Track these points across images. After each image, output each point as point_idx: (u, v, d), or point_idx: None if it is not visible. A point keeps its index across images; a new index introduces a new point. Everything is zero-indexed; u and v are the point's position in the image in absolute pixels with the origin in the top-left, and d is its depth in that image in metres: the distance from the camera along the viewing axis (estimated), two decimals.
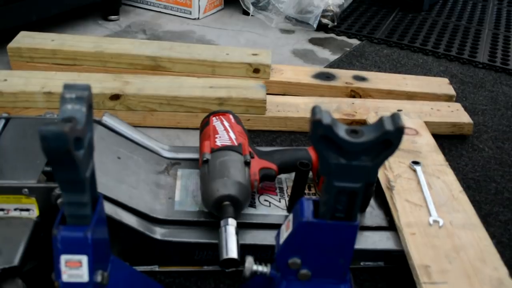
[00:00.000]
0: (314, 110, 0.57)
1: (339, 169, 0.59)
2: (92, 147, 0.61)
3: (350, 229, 0.65)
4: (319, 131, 0.56)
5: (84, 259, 0.60)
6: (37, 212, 0.84)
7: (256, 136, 1.35)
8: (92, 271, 0.61)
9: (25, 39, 1.53)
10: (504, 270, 0.89)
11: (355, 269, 0.95)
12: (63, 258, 0.60)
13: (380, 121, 0.58)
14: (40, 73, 1.38)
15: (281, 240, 0.68)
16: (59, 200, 0.80)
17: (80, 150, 0.56)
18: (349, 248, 0.66)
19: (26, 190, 0.82)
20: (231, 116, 1.05)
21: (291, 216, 0.67)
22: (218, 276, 0.93)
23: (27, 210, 0.84)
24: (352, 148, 0.58)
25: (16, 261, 0.77)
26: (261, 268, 0.72)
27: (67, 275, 0.60)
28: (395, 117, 0.57)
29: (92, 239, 0.59)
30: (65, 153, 0.52)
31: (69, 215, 0.60)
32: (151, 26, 2.03)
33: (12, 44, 1.50)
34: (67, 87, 0.57)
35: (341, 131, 0.57)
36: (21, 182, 0.82)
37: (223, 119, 1.04)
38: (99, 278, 0.62)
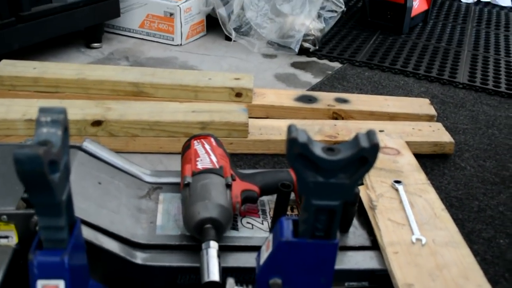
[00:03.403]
0: (289, 129, 0.57)
1: (317, 187, 0.60)
2: (68, 170, 0.60)
3: (330, 248, 0.65)
4: (295, 149, 0.57)
5: (61, 283, 0.59)
6: (16, 239, 0.82)
7: (239, 160, 1.35)
8: None
9: (6, 67, 1.53)
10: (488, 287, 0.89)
11: None
12: (40, 283, 0.59)
13: (356, 138, 0.58)
14: (21, 100, 1.38)
15: (262, 261, 0.67)
16: (38, 227, 0.80)
17: (56, 173, 0.55)
18: (330, 267, 0.66)
19: (4, 216, 0.80)
20: (212, 139, 1.05)
21: (271, 236, 0.67)
22: None
23: (6, 237, 0.82)
24: (329, 166, 0.58)
25: None
26: None
27: None
28: (370, 134, 0.58)
29: (69, 263, 0.59)
30: (40, 176, 0.52)
31: (45, 239, 0.59)
32: (133, 53, 2.04)
33: None
34: (43, 110, 0.57)
35: (317, 149, 0.58)
36: (0, 209, 0.81)
37: (204, 142, 1.04)
38: None
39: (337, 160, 0.58)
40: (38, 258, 0.58)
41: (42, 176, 0.52)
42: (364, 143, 0.57)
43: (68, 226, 0.60)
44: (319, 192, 0.60)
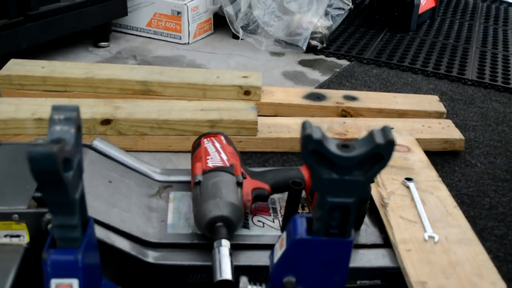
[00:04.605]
0: (304, 125, 0.57)
1: (332, 184, 0.59)
2: (81, 169, 0.60)
3: (345, 245, 0.64)
4: (310, 146, 0.56)
5: (75, 282, 0.59)
6: (28, 239, 0.82)
7: (248, 158, 1.34)
8: None
9: (15, 67, 1.53)
10: (502, 285, 0.88)
11: None
12: (54, 282, 0.59)
13: (371, 135, 0.58)
14: (30, 99, 1.38)
15: (275, 259, 0.67)
16: (49, 226, 0.79)
17: (69, 171, 0.55)
18: (344, 265, 0.66)
19: (16, 216, 0.80)
20: (222, 137, 1.05)
21: (284, 234, 0.67)
22: None
23: (18, 236, 0.82)
24: (344, 162, 0.58)
25: None
26: None
27: None
28: (385, 131, 0.57)
29: (83, 262, 0.58)
30: (53, 174, 0.51)
31: (59, 238, 0.59)
32: (141, 51, 2.04)
33: (2, 72, 1.50)
34: (56, 108, 0.57)
35: (332, 146, 0.57)
36: (11, 208, 0.81)
37: (214, 140, 1.03)
38: None
39: (352, 157, 0.57)
40: (52, 257, 0.58)
41: (56, 174, 0.51)
42: (379, 139, 0.57)
43: (82, 225, 0.60)
44: (333, 189, 0.60)
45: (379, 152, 0.57)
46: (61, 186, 0.53)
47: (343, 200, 0.60)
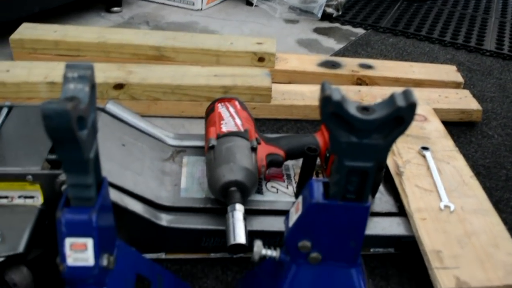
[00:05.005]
0: (323, 86, 0.55)
1: (350, 147, 0.58)
2: (95, 128, 0.59)
3: (362, 210, 0.63)
4: (329, 108, 0.55)
5: (89, 241, 0.58)
6: (42, 200, 0.83)
7: (261, 125, 1.33)
8: (97, 254, 0.59)
9: (27, 31, 1.51)
10: None
11: (365, 256, 0.92)
12: (68, 241, 0.58)
13: (392, 97, 0.56)
14: (43, 63, 1.36)
15: (291, 223, 0.66)
16: (63, 187, 0.79)
17: (83, 130, 0.54)
18: (360, 230, 0.65)
19: (30, 176, 0.80)
20: (236, 102, 1.03)
21: (300, 198, 0.66)
22: (225, 263, 0.91)
23: (32, 197, 0.82)
24: (363, 125, 0.56)
25: (21, 248, 0.75)
26: (270, 252, 0.70)
27: (72, 258, 0.59)
28: (407, 93, 0.55)
29: (97, 221, 0.58)
30: (68, 132, 0.50)
31: (73, 197, 0.58)
32: (154, 17, 2.01)
33: (14, 36, 1.48)
34: (69, 66, 0.56)
35: (352, 108, 0.55)
36: (25, 169, 0.81)
37: (228, 105, 1.02)
38: (105, 262, 0.61)
39: (372, 120, 0.55)
40: (66, 216, 0.57)
41: (70, 132, 0.50)
42: (401, 102, 0.55)
43: (96, 185, 0.59)
44: (352, 153, 0.58)
45: (400, 115, 0.55)
46: (75, 144, 0.52)
47: (362, 164, 0.59)
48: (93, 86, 0.58)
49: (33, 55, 1.48)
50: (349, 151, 0.58)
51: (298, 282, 0.68)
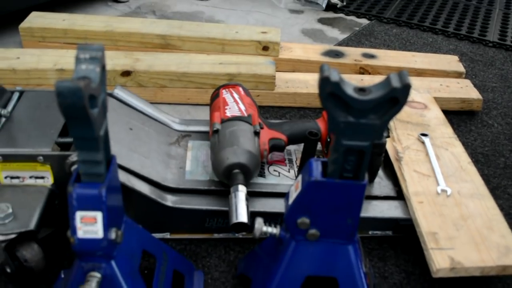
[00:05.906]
0: (322, 68, 0.58)
1: (348, 127, 0.60)
2: (105, 107, 0.62)
3: (358, 188, 0.66)
4: (327, 88, 0.57)
5: (98, 215, 0.61)
6: (52, 180, 0.86)
7: (265, 112, 1.36)
8: (106, 227, 0.62)
9: (36, 19, 1.54)
10: (511, 238, 0.90)
11: (363, 238, 0.97)
12: (78, 214, 0.61)
13: (387, 79, 0.59)
14: (52, 51, 1.40)
15: (290, 201, 0.69)
16: (73, 168, 0.82)
17: (95, 108, 0.57)
18: (357, 208, 0.67)
19: (41, 157, 0.83)
20: (240, 88, 1.06)
21: (300, 177, 0.69)
22: (228, 243, 0.94)
23: (42, 178, 0.86)
24: (360, 105, 0.59)
25: (32, 225, 0.78)
26: (270, 229, 0.73)
27: (82, 231, 0.62)
28: (402, 75, 0.58)
29: (106, 196, 0.61)
30: (80, 109, 0.53)
31: (84, 173, 0.61)
32: (160, 7, 2.04)
33: (24, 24, 1.52)
34: (81, 47, 0.59)
35: (349, 89, 0.58)
36: (36, 150, 0.84)
37: (232, 91, 1.05)
38: (113, 235, 0.64)
39: (368, 100, 0.58)
40: (77, 190, 0.61)
41: (82, 108, 0.53)
42: (396, 83, 0.57)
43: (105, 162, 0.62)
44: (349, 132, 0.61)
45: (395, 96, 0.58)
46: (87, 121, 0.55)
47: (358, 144, 0.62)
48: (103, 67, 0.61)
49: (42, 43, 1.52)
50: (346, 130, 0.61)
51: (297, 258, 0.72)
